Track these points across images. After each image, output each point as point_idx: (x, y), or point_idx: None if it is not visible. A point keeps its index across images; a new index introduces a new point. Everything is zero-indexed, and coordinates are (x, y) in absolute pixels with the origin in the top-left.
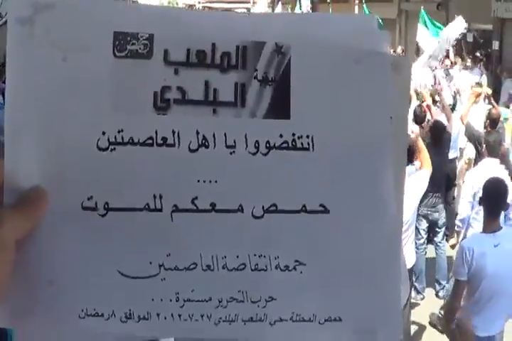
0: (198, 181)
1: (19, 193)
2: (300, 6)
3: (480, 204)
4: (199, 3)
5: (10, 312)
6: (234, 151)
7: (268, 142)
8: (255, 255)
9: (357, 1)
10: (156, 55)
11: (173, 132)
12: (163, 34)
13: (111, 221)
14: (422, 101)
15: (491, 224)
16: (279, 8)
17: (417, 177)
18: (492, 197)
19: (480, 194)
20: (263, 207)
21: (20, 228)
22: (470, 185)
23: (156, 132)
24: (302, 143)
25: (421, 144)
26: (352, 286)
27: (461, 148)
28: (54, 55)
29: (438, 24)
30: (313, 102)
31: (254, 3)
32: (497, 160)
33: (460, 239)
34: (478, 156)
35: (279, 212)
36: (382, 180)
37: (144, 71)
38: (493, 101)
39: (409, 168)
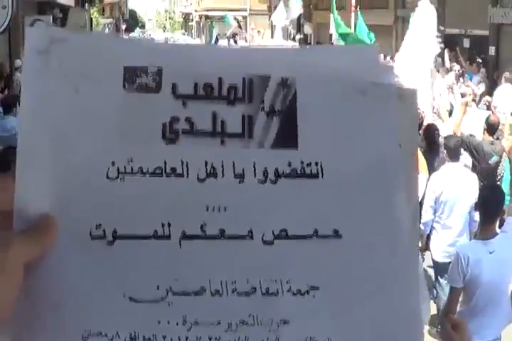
0: (207, 209)
1: (29, 220)
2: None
3: (476, 210)
4: (196, 11)
5: (13, 334)
6: (243, 180)
7: (277, 170)
8: (266, 279)
9: (354, 8)
10: (165, 88)
11: (182, 162)
12: (171, 68)
13: (119, 248)
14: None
15: (486, 230)
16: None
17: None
18: (487, 203)
19: (442, 198)
20: (273, 233)
21: (28, 253)
22: (432, 190)
23: (165, 162)
24: (311, 171)
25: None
26: (367, 310)
27: None
28: (67, 86)
29: None
30: (320, 132)
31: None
32: (459, 164)
33: (424, 242)
34: (475, 161)
35: (290, 238)
36: (395, 204)
37: (153, 104)
38: (492, 107)
39: None
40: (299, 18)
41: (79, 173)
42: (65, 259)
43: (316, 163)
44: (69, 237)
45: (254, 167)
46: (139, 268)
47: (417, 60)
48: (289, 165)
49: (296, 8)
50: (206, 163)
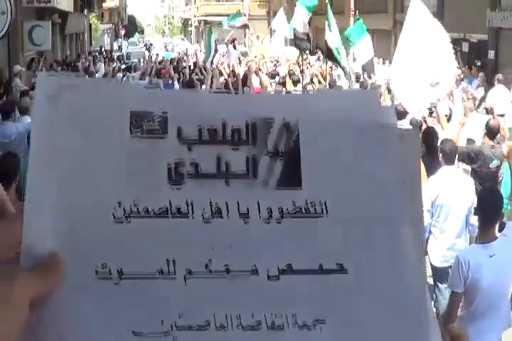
0: (213, 248)
1: (36, 257)
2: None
3: (475, 214)
4: (194, 16)
5: None
6: (248, 220)
7: (281, 210)
8: (271, 314)
9: (352, 13)
10: (170, 133)
11: (187, 203)
12: (176, 113)
13: (125, 286)
14: None
15: (485, 234)
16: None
17: None
18: (486, 207)
19: (438, 201)
20: (278, 268)
21: (34, 288)
22: (428, 193)
23: (171, 204)
24: (316, 209)
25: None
26: None
27: None
28: (75, 130)
29: None
30: (323, 171)
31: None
32: (454, 167)
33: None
34: (475, 166)
35: (295, 273)
36: (400, 239)
37: (159, 148)
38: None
39: None
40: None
41: (85, 213)
42: (70, 297)
43: (321, 202)
44: (75, 275)
45: (258, 206)
46: (143, 305)
47: (420, 64)
48: (294, 205)
49: (300, 19)
50: (211, 203)
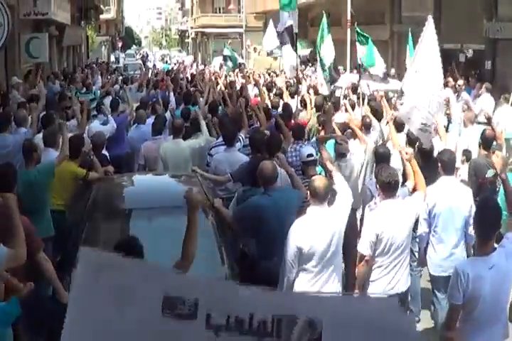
0: None
1: None
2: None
3: (473, 225)
4: (192, 28)
5: None
6: None
7: None
8: None
9: (349, 24)
10: (200, 317)
11: None
12: (206, 301)
13: None
14: None
15: (484, 246)
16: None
17: (412, 200)
18: (484, 219)
19: (435, 210)
20: None
21: None
22: (425, 202)
23: None
24: None
25: (415, 166)
26: None
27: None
28: (111, 303)
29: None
30: None
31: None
32: (453, 178)
33: (421, 257)
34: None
35: None
36: None
37: (187, 330)
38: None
39: (401, 190)
40: (293, 36)
41: None
42: None
43: None
44: None
45: None
46: None
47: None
48: None
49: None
50: None
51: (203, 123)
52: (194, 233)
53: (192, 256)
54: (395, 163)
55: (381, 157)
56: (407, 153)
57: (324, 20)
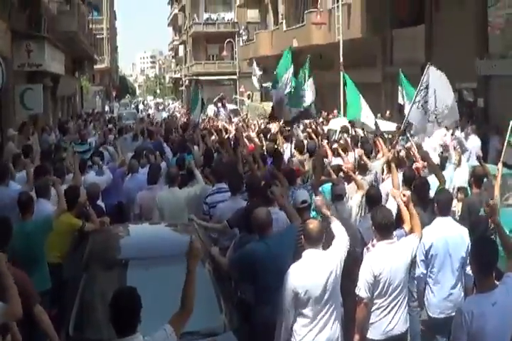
0: None
1: None
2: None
3: (470, 264)
4: (185, 76)
5: None
6: None
7: None
8: None
9: (342, 67)
10: None
11: None
12: None
13: None
14: (413, 162)
15: (485, 283)
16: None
17: (408, 241)
18: (481, 257)
19: (431, 251)
20: None
21: None
22: (422, 243)
23: None
24: None
25: (412, 209)
26: None
27: None
28: None
29: (410, 87)
30: None
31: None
32: (449, 218)
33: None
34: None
35: None
36: None
37: None
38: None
39: (398, 232)
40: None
41: None
42: None
43: None
44: None
45: None
46: None
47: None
48: None
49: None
50: None
51: (197, 172)
52: (193, 282)
53: (192, 306)
54: (393, 204)
55: (372, 199)
56: (404, 195)
57: (307, 63)
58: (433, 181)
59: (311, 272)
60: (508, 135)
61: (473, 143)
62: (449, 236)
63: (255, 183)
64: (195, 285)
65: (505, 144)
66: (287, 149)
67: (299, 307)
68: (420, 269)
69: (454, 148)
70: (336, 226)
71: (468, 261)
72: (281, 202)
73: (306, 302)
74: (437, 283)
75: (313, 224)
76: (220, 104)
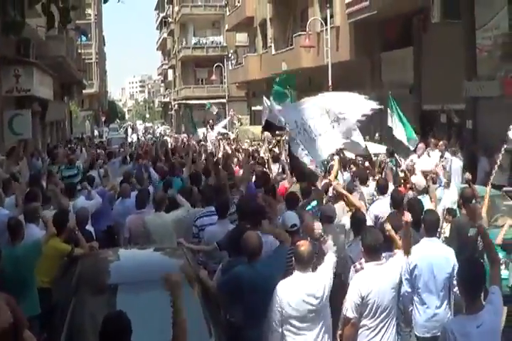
0: None
1: None
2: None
3: (457, 285)
4: (174, 100)
5: None
6: None
7: None
8: None
9: (331, 89)
10: None
11: None
12: None
13: None
14: (405, 181)
15: (472, 305)
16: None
17: (395, 261)
18: (469, 279)
19: (415, 271)
20: None
21: None
22: (407, 263)
23: None
24: None
25: (406, 233)
26: None
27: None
28: None
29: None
30: None
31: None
32: (435, 239)
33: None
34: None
35: None
36: None
37: None
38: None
39: (387, 253)
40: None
41: None
42: None
43: None
44: None
45: None
46: None
47: None
48: None
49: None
50: None
51: (180, 198)
52: (181, 311)
53: (184, 335)
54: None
55: (357, 221)
56: (407, 222)
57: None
58: (424, 200)
59: (299, 293)
60: (500, 157)
61: (455, 165)
62: (434, 257)
63: (245, 206)
64: (183, 314)
65: (496, 167)
66: (276, 170)
67: (286, 324)
68: (405, 287)
69: (444, 168)
70: (327, 248)
71: (454, 281)
72: (274, 232)
73: (293, 322)
74: (423, 303)
75: (304, 247)
76: (209, 126)
